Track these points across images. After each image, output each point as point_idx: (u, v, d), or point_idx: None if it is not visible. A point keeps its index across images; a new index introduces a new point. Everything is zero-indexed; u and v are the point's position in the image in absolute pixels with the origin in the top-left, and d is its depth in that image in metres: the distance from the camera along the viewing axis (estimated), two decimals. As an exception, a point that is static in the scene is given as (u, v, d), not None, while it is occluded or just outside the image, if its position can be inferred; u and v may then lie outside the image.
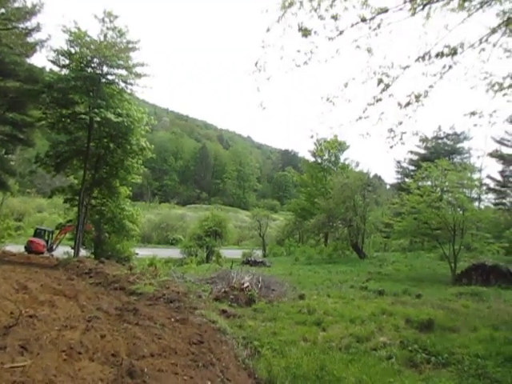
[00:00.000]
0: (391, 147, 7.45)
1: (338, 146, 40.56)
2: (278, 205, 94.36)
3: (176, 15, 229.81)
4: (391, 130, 7.28)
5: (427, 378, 5.48)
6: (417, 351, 6.32)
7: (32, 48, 20.80)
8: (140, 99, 32.82)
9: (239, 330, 7.59)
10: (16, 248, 23.55)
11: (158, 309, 8.23)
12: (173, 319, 7.45)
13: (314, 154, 42.13)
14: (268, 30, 6.52)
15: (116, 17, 20.11)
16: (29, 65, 21.27)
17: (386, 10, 6.29)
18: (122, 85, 20.98)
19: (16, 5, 19.24)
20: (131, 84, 20.93)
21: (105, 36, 20.11)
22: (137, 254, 24.34)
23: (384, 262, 23.34)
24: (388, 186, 48.49)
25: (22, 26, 19.85)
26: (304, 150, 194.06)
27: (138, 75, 20.67)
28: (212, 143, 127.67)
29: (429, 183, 19.77)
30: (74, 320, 6.25)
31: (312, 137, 38.39)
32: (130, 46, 20.48)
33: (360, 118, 7.29)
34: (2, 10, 18.86)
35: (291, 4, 6.40)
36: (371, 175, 34.27)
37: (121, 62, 20.15)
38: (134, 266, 17.24)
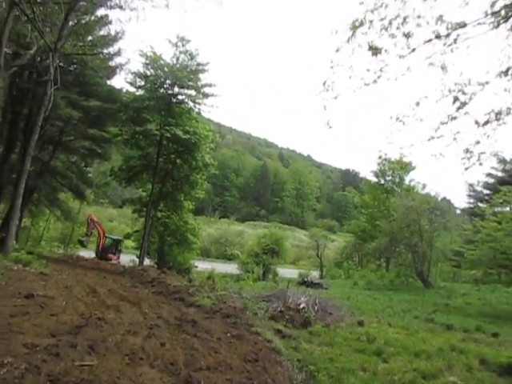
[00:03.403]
0: (466, 169, 6.94)
1: (404, 167, 38.83)
2: (336, 225, 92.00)
3: (242, 33, 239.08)
4: (467, 151, 6.78)
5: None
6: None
7: (113, 71, 22.82)
8: (206, 118, 34.27)
9: (294, 352, 7.38)
10: (88, 253, 25.35)
11: (215, 323, 8.28)
12: (229, 334, 7.45)
13: (376, 175, 40.72)
14: (337, 50, 6.49)
15: (188, 41, 21.49)
16: (109, 86, 23.33)
17: (463, 25, 5.97)
18: (191, 104, 22.16)
19: (101, 33, 21.27)
20: (199, 103, 22.05)
21: (177, 59, 21.52)
22: (196, 266, 24.98)
23: (453, 294, 21.59)
24: (458, 211, 45.39)
25: (105, 51, 21.86)
26: (366, 170, 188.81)
27: (206, 95, 21.71)
28: (272, 161, 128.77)
29: (507, 209, 18.11)
30: (136, 326, 6.51)
31: (380, 157, 37.27)
32: (200, 68, 21.68)
33: (432, 137, 6.90)
34: (90, 38, 20.93)
35: (361, 24, 6.33)
36: (439, 198, 32.30)
37: (191, 83, 21.33)
38: (194, 278, 17.69)
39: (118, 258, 24.79)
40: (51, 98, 14.16)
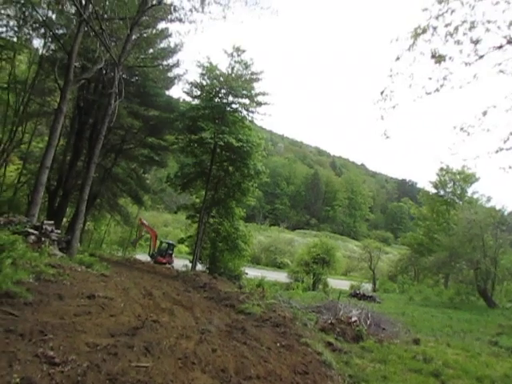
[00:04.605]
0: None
1: (466, 178, 36.53)
2: (391, 237, 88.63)
3: (296, 40, 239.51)
4: (541, 164, 6.24)
5: None
6: None
7: (171, 82, 23.91)
8: (258, 126, 34.72)
9: (345, 367, 7.12)
10: (144, 257, 26.51)
11: (265, 331, 8.23)
12: (278, 344, 7.36)
13: (436, 186, 38.63)
14: (397, 58, 6.29)
15: (243, 51, 21.93)
16: (167, 96, 24.43)
17: (541, 27, 5.52)
18: (244, 113, 22.57)
19: (162, 45, 22.37)
20: (252, 112, 22.39)
21: (232, 69, 22.06)
22: (246, 273, 25.13)
23: (520, 315, 19.74)
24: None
25: (165, 62, 22.97)
26: (424, 180, 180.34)
27: (259, 103, 21.99)
28: (324, 170, 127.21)
29: None
30: (189, 330, 6.63)
31: (442, 169, 35.47)
32: (254, 77, 22.04)
33: (501, 149, 6.43)
34: (151, 50, 22.09)
35: (424, 31, 6.09)
36: (506, 212, 29.81)
37: (245, 92, 21.71)
38: (244, 285, 17.79)
39: (170, 261, 25.68)
40: (115, 109, 15.06)
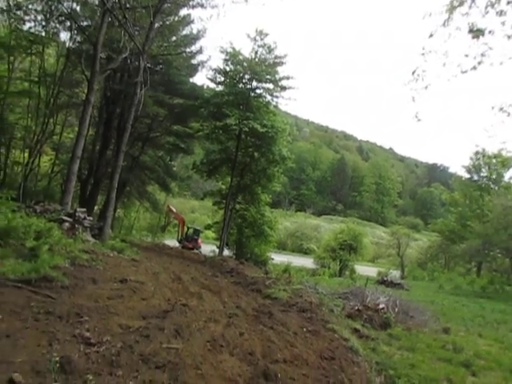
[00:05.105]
0: None
1: (504, 163, 34.78)
2: (420, 224, 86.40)
3: (319, 21, 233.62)
4: None
5: None
6: None
7: (195, 69, 23.94)
8: (283, 111, 34.38)
9: (372, 354, 7.08)
10: (172, 242, 27.15)
11: (291, 316, 8.30)
12: (305, 329, 7.40)
13: (469, 170, 37.04)
14: (431, 35, 5.97)
15: (266, 34, 21.63)
16: (191, 83, 24.50)
17: None
18: (269, 98, 22.38)
19: (184, 32, 22.37)
20: (276, 97, 22.20)
21: (256, 53, 21.80)
22: (272, 259, 25.30)
23: (559, 307, 18.92)
24: None
25: (188, 50, 22.98)
26: (456, 164, 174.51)
27: (284, 88, 21.74)
28: (351, 154, 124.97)
29: None
30: (217, 314, 6.78)
31: (477, 153, 33.96)
32: (278, 61, 21.72)
33: (546, 130, 6.07)
34: (174, 38, 22.14)
35: (461, 3, 5.73)
36: (546, 199, 28.42)
37: (268, 77, 21.48)
38: (270, 270, 17.92)
39: (196, 246, 26.22)
40: (141, 98, 15.28)
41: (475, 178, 36.38)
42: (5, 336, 3.72)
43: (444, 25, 5.85)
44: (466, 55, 6.05)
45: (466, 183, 37.39)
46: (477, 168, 36.07)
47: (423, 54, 6.16)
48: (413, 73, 6.33)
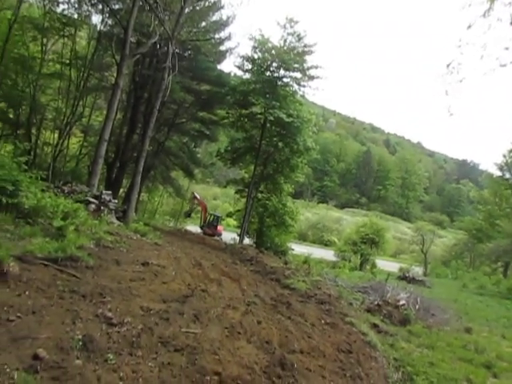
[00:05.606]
0: None
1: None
2: (446, 221, 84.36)
3: (347, 9, 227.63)
4: None
5: None
6: None
7: (223, 55, 23.77)
8: (310, 100, 33.89)
9: (390, 350, 7.00)
10: (194, 228, 27.49)
11: (309, 307, 8.28)
12: (323, 321, 7.38)
13: (501, 168, 35.72)
14: (469, 26, 5.68)
15: (296, 22, 21.21)
16: (219, 70, 24.40)
17: None
18: (296, 87, 22.07)
19: (214, 18, 22.21)
20: (304, 86, 21.86)
21: (285, 41, 21.46)
22: (292, 249, 25.27)
23: None
24: None
25: (217, 36, 22.84)
26: (488, 161, 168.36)
27: (311, 77, 21.37)
28: (377, 147, 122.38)
29: None
30: (235, 301, 6.83)
31: (511, 150, 32.65)
32: (307, 49, 21.33)
33: None
34: (203, 24, 22.01)
35: (505, -8, 5.40)
36: None
37: (296, 66, 21.14)
38: (290, 260, 17.91)
39: (216, 233, 26.48)
40: (169, 84, 15.34)
41: (507, 176, 35.06)
42: (31, 312, 3.84)
43: (484, 15, 5.56)
44: (507, 48, 5.73)
45: (497, 181, 36.14)
46: (509, 166, 34.72)
47: (459, 46, 5.89)
48: (448, 65, 6.06)
